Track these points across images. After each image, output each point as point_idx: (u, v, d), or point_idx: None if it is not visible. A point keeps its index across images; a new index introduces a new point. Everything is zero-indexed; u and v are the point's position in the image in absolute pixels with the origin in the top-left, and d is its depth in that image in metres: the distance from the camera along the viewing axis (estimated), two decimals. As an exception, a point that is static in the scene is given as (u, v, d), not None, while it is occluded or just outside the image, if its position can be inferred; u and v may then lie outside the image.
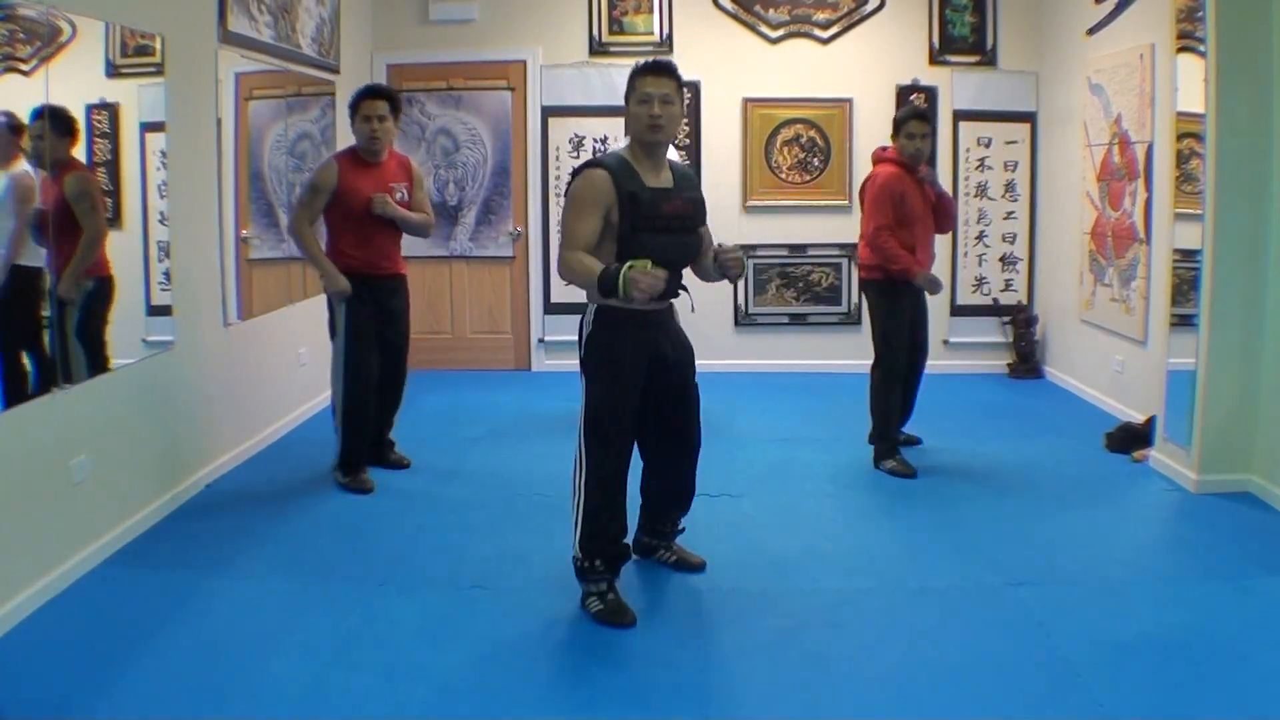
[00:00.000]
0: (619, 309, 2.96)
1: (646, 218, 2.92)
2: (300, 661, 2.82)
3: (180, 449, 4.12)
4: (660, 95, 2.93)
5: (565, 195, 3.05)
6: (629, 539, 3.21)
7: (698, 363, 3.28)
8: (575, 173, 3.01)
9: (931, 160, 4.66)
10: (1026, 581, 3.33)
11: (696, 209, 3.09)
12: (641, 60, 3.03)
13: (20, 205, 3.27)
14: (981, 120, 6.48)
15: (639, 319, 3.01)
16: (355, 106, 4.27)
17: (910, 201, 4.41)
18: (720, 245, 3.05)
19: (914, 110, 4.59)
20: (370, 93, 4.28)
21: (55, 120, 3.36)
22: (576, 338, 3.12)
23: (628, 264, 2.78)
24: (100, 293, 3.63)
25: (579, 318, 3.12)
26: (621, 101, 3.07)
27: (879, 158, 4.56)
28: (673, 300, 3.12)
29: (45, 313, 3.33)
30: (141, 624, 3.04)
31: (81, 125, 3.51)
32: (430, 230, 4.54)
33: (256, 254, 4.87)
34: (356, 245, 4.24)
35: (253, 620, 3.08)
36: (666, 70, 2.98)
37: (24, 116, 3.23)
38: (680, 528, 3.44)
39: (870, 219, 4.43)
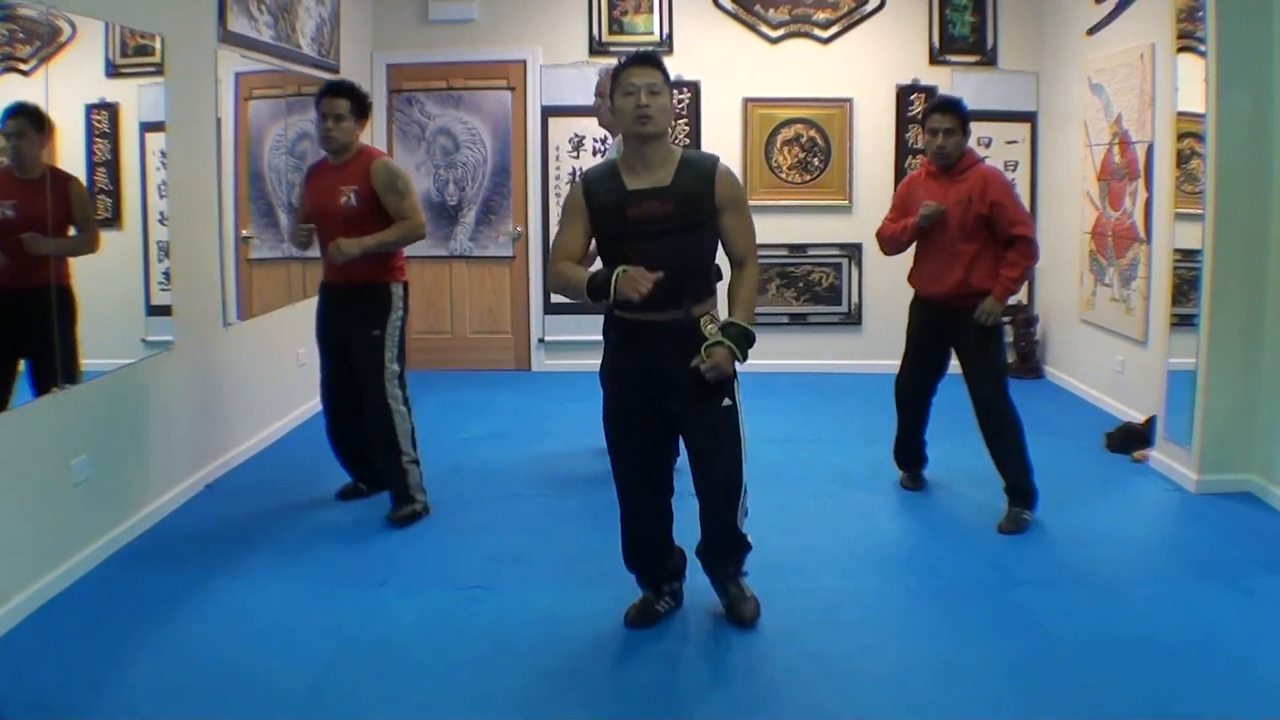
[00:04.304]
0: (616, 317, 2.86)
1: (613, 225, 2.78)
2: (300, 661, 2.82)
3: (180, 449, 4.12)
4: (646, 85, 2.73)
5: None
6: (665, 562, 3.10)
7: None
8: None
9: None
10: (1026, 581, 3.33)
11: (679, 209, 2.74)
12: (622, 57, 2.85)
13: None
14: (982, 120, 6.45)
15: (636, 329, 2.81)
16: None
17: (919, 203, 3.95)
18: (703, 355, 2.75)
19: (936, 102, 4.11)
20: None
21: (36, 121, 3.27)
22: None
23: (621, 268, 2.67)
24: None
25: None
26: None
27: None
28: (690, 312, 2.77)
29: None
30: (141, 624, 3.04)
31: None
32: (409, 236, 3.80)
33: (256, 254, 4.88)
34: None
35: (253, 620, 3.08)
36: (650, 60, 2.79)
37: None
38: (741, 571, 3.10)
39: None
